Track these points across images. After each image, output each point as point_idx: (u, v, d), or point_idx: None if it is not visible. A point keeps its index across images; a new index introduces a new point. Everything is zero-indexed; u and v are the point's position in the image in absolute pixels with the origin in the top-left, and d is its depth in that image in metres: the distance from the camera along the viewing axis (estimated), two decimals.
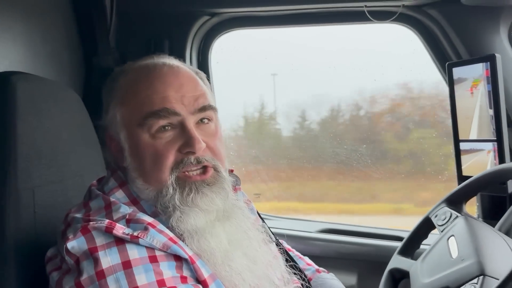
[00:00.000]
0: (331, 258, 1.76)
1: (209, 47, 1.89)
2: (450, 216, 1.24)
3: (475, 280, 0.99)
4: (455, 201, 1.28)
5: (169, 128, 0.90)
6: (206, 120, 0.95)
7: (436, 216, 1.27)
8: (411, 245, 1.30)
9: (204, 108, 0.94)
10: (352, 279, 1.72)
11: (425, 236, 1.31)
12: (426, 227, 1.30)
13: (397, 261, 1.27)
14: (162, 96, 0.90)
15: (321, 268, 1.28)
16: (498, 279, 0.91)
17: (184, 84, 0.94)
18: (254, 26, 1.87)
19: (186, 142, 0.89)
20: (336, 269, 1.72)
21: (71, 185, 1.12)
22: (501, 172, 1.24)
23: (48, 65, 1.60)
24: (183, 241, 0.89)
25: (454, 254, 1.10)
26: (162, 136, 0.90)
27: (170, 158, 0.89)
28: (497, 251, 1.09)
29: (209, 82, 1.88)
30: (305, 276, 1.14)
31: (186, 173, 0.90)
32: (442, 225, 1.23)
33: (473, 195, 1.30)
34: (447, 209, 1.27)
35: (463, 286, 0.99)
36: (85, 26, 1.73)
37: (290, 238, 1.68)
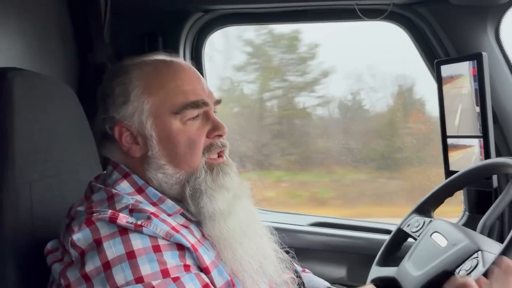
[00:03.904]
0: (321, 251, 1.79)
1: (203, 43, 1.90)
2: (424, 223, 1.28)
3: (475, 255, 1.02)
4: (425, 210, 1.33)
5: (199, 117, 0.98)
6: (216, 112, 1.04)
7: (408, 225, 1.32)
8: (387, 256, 1.34)
9: (218, 102, 1.04)
10: (342, 272, 1.75)
11: (400, 247, 1.36)
12: (399, 237, 1.35)
13: (377, 272, 1.30)
14: (193, 87, 0.98)
15: (306, 270, 1.32)
16: (494, 254, 0.94)
17: (200, 78, 1.03)
18: (247, 22, 1.89)
19: (214, 128, 0.99)
20: (326, 262, 1.77)
21: (66, 180, 1.14)
22: (475, 171, 1.30)
23: (43, 61, 1.61)
24: (187, 227, 0.94)
25: (443, 244, 1.14)
26: (193, 123, 0.98)
27: (202, 143, 0.98)
28: (483, 237, 1.14)
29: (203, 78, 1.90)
30: (296, 270, 1.17)
31: (211, 157, 0.99)
32: (416, 231, 1.28)
33: (442, 201, 1.35)
34: (418, 217, 1.31)
35: (463, 264, 1.02)
36: (79, 22, 1.74)
37: (281, 231, 1.70)
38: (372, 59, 2.07)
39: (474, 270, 0.98)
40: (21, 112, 1.00)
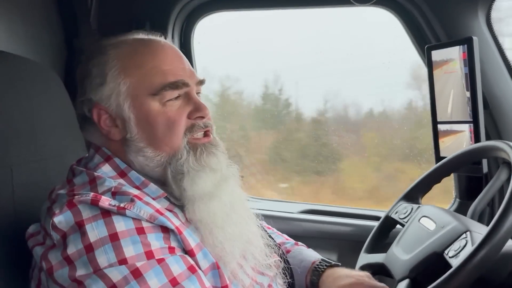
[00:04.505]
0: (312, 238, 1.78)
1: (192, 29, 1.88)
2: (412, 209, 1.27)
3: (463, 235, 1.02)
4: (413, 197, 1.33)
5: (180, 97, 0.96)
6: (199, 94, 1.02)
7: (396, 212, 1.32)
8: (376, 243, 1.34)
9: (201, 82, 1.01)
10: (333, 258, 1.75)
11: (388, 234, 1.35)
12: (387, 224, 1.35)
13: (365, 259, 1.29)
14: (172, 67, 0.95)
15: (299, 243, 1.31)
16: (483, 234, 0.93)
17: (182, 57, 1.00)
18: (236, 8, 1.86)
19: (196, 109, 0.96)
20: (317, 249, 1.74)
21: (51, 165, 1.12)
22: (463, 156, 1.29)
23: (29, 46, 1.58)
24: (171, 211, 0.93)
25: (432, 227, 1.13)
26: (173, 104, 0.95)
27: (182, 124, 0.95)
28: (472, 221, 1.14)
29: (192, 64, 1.88)
30: (283, 252, 1.17)
31: (195, 137, 0.97)
32: (404, 217, 1.28)
33: (430, 188, 1.34)
34: (406, 204, 1.31)
35: (451, 245, 1.02)
36: (65, 7, 1.71)
37: (273, 219, 1.70)
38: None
39: (463, 250, 0.98)
40: (1, 95, 0.98)
